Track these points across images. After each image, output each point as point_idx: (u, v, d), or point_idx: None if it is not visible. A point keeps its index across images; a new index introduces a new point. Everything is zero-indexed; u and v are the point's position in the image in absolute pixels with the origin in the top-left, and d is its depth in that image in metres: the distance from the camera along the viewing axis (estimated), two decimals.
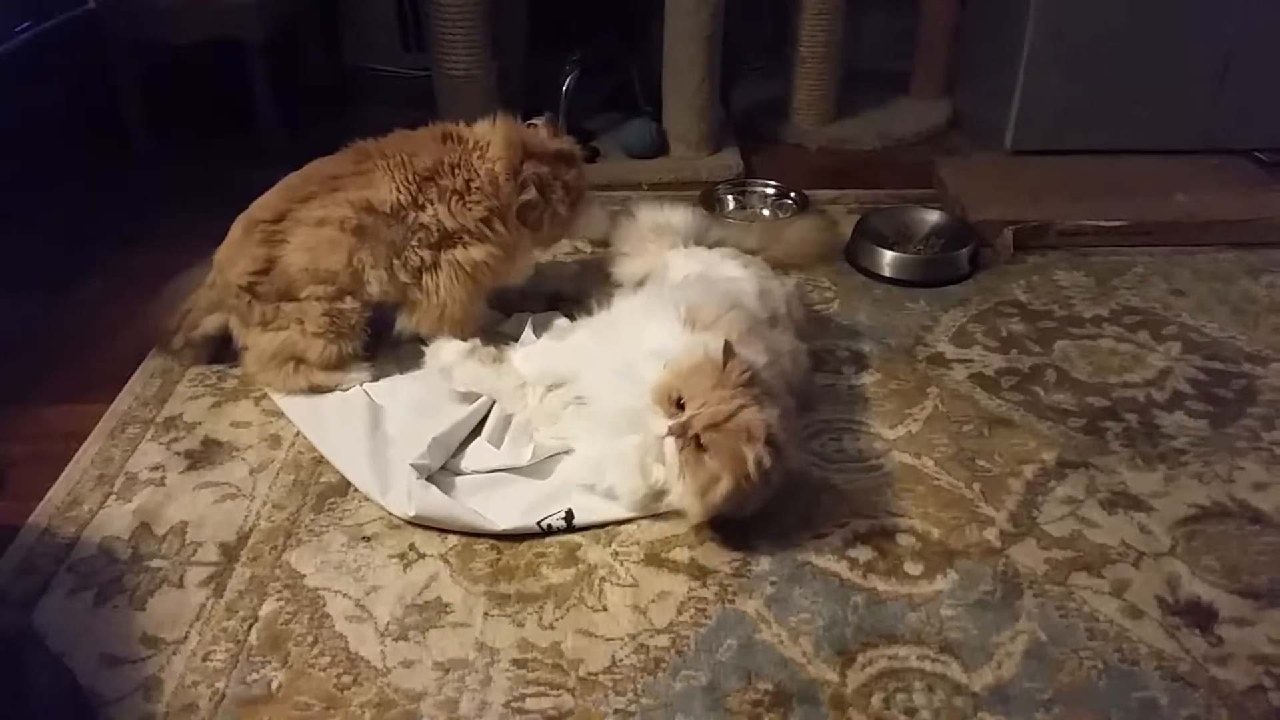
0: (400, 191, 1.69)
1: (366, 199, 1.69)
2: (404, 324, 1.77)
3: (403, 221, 1.69)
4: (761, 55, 3.20)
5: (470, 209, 1.72)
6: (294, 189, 1.74)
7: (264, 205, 1.74)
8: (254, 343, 1.74)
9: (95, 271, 2.18)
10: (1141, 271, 2.16)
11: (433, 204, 1.70)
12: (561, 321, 1.85)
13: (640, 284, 1.89)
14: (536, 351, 1.70)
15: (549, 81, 2.67)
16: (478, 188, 1.73)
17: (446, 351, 1.68)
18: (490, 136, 1.77)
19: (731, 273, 1.78)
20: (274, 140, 2.67)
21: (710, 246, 1.92)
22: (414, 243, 1.70)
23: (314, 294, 1.70)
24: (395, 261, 1.71)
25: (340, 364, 1.75)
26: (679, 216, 1.95)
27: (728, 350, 1.40)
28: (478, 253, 1.73)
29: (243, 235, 1.73)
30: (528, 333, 1.82)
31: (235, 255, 1.73)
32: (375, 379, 1.77)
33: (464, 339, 1.75)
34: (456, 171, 1.72)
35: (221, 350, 1.85)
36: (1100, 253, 2.23)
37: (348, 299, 1.72)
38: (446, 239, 1.72)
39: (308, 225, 1.69)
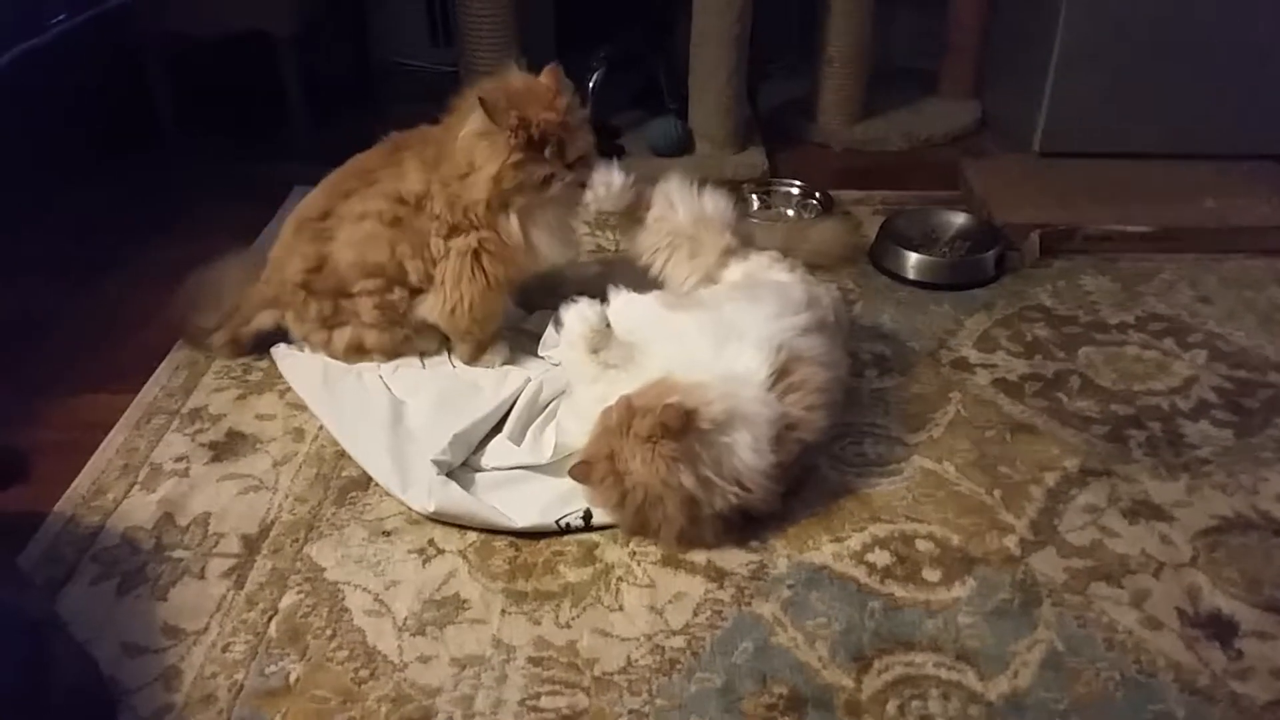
0: (420, 182, 1.70)
1: (398, 190, 1.70)
2: (423, 311, 1.77)
3: (424, 211, 1.70)
4: (788, 54, 3.18)
5: (459, 195, 1.67)
6: (335, 185, 1.77)
7: (310, 204, 1.78)
8: (322, 340, 1.79)
9: (123, 262, 2.20)
10: (1168, 278, 2.14)
11: (439, 194, 1.69)
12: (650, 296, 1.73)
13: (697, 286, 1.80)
14: (639, 309, 1.65)
15: (576, 79, 2.65)
16: (460, 174, 1.66)
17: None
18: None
19: (779, 277, 1.76)
20: (301, 134, 2.69)
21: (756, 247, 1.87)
22: (433, 232, 1.71)
23: (365, 288, 1.74)
24: (426, 252, 1.71)
25: (397, 349, 1.80)
26: (720, 208, 1.81)
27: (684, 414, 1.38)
28: (472, 239, 1.69)
29: (293, 235, 1.77)
30: (550, 331, 1.83)
31: (288, 255, 1.77)
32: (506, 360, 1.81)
33: (483, 338, 1.77)
34: (449, 158, 1.68)
35: (257, 345, 1.87)
36: (1127, 258, 2.21)
37: (395, 289, 1.74)
38: (453, 229, 1.70)
39: (350, 221, 1.72)
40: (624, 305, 1.64)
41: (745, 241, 1.82)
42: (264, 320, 1.83)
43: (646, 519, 1.42)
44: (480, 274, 1.71)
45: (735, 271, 1.77)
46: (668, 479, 1.37)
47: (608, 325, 1.58)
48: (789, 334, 1.54)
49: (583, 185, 1.72)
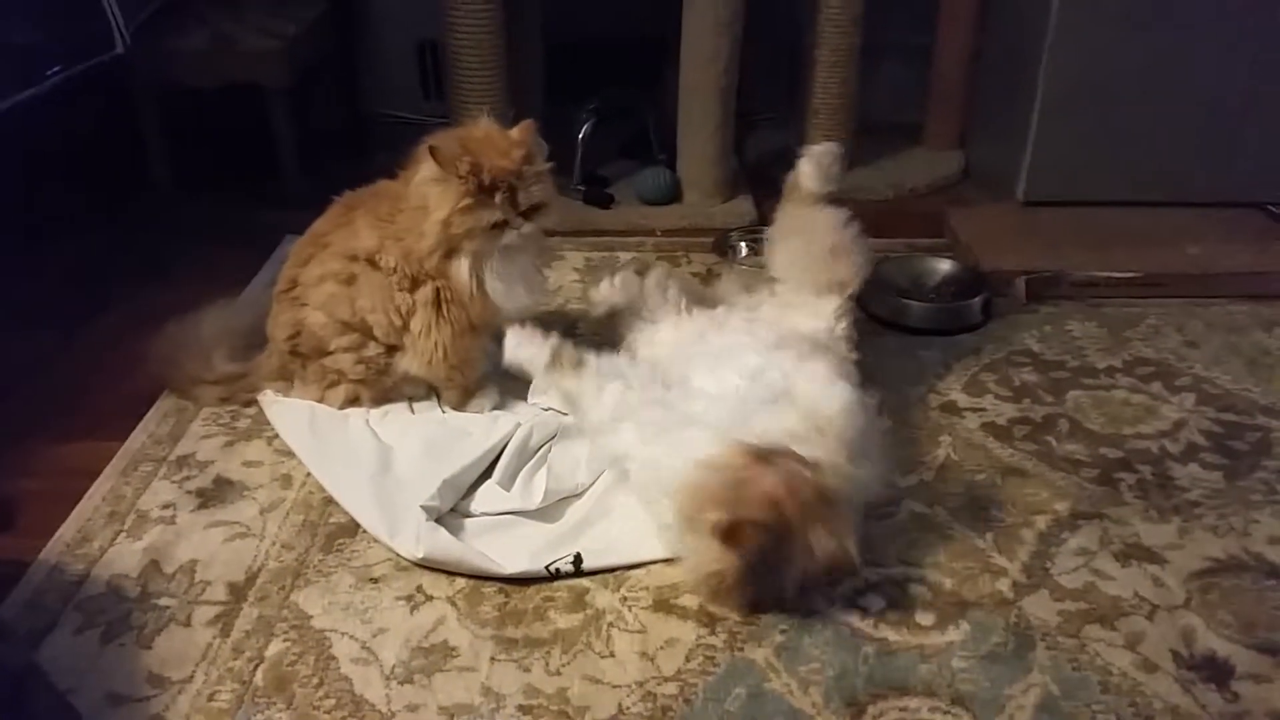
0: (372, 238, 1.71)
1: (351, 248, 1.72)
2: (404, 365, 1.77)
3: (378, 266, 1.71)
4: (775, 105, 3.23)
5: (411, 247, 1.67)
6: (298, 255, 1.80)
7: (281, 277, 1.81)
8: (319, 399, 1.80)
9: (112, 310, 2.20)
10: (1154, 323, 2.15)
11: (392, 248, 1.69)
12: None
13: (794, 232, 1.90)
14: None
15: (565, 130, 2.71)
16: (412, 226, 1.67)
17: (525, 354, 1.66)
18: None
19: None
20: (293, 184, 2.71)
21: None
22: (395, 287, 1.71)
23: (340, 346, 1.75)
24: (389, 305, 1.72)
25: (387, 397, 1.81)
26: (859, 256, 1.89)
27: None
28: (430, 288, 1.70)
29: (274, 307, 1.81)
30: (538, 380, 1.83)
31: (274, 327, 1.81)
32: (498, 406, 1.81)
33: (467, 383, 1.78)
34: (402, 212, 1.69)
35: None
36: (1113, 303, 2.23)
37: (370, 344, 1.75)
38: (414, 281, 1.70)
39: (313, 285, 1.75)
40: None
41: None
42: (274, 387, 1.84)
43: (751, 582, 1.36)
44: (445, 320, 1.71)
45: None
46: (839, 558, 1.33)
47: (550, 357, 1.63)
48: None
49: (547, 235, 1.75)
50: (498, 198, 1.61)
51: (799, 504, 1.30)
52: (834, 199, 1.95)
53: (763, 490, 1.30)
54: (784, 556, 1.32)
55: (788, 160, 2.88)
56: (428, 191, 1.62)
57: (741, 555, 1.31)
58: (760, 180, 2.88)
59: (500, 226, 1.63)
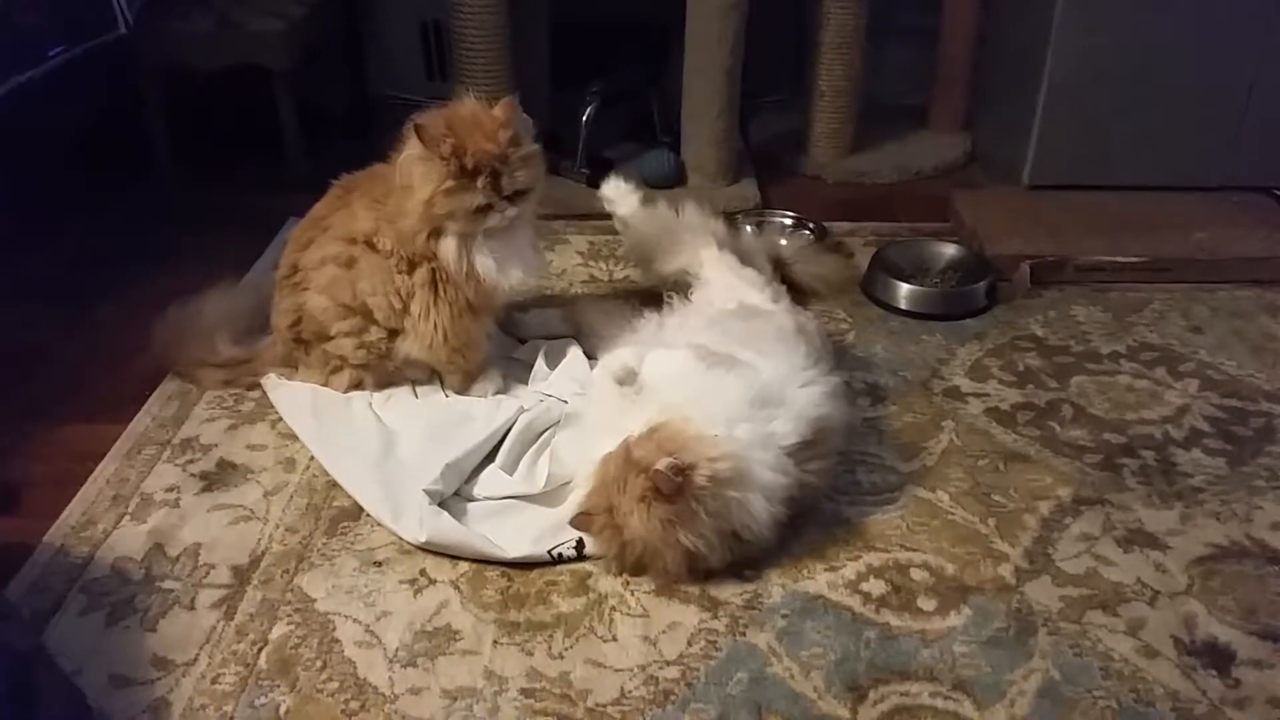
0: (369, 220, 1.70)
1: (349, 231, 1.72)
2: (405, 349, 1.76)
3: (376, 249, 1.70)
4: (780, 88, 3.21)
5: (401, 228, 1.66)
6: (297, 240, 1.79)
7: (282, 263, 1.81)
8: (324, 382, 1.80)
9: (116, 292, 2.19)
10: (1159, 308, 2.15)
11: (386, 230, 1.68)
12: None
13: (675, 282, 1.92)
14: (675, 364, 1.58)
15: (570, 112, 2.70)
16: (396, 208, 1.66)
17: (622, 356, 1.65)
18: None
19: (766, 306, 1.77)
20: (297, 166, 2.70)
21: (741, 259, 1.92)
22: (394, 269, 1.70)
23: (342, 330, 1.75)
24: (390, 288, 1.71)
25: (390, 380, 1.81)
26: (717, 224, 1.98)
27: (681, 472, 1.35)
28: (426, 269, 1.68)
29: (276, 294, 1.81)
30: (540, 364, 1.83)
31: (277, 315, 1.81)
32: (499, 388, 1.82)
33: (469, 367, 1.78)
34: (393, 193, 1.67)
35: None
36: (1118, 288, 2.22)
37: (372, 328, 1.75)
38: (411, 263, 1.69)
39: (314, 269, 1.74)
40: (662, 361, 1.58)
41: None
42: (278, 372, 1.84)
43: (645, 567, 1.42)
44: (443, 302, 1.70)
45: (723, 286, 1.80)
46: (665, 538, 1.36)
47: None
48: (823, 407, 1.53)
49: (547, 219, 1.78)
50: (480, 181, 1.58)
51: (616, 483, 1.38)
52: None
53: (595, 485, 1.42)
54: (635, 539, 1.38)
55: (793, 143, 2.92)
56: (412, 170, 1.61)
57: (590, 536, 1.44)
58: (765, 163, 2.88)
59: (484, 210, 1.61)
